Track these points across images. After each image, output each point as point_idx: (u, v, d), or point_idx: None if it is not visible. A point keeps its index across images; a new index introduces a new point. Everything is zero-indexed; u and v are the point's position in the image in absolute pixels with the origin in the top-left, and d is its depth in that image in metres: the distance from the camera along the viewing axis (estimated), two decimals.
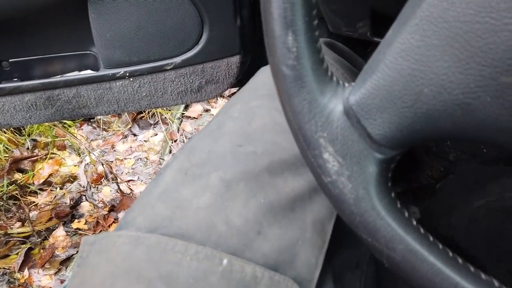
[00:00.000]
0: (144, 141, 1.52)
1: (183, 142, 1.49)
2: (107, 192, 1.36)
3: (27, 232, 1.24)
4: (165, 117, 1.56)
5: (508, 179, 0.54)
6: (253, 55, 0.80)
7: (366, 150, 0.24)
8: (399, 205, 0.25)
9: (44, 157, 1.42)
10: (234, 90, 1.53)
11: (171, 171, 0.37)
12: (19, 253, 1.19)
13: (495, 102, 0.20)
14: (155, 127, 1.56)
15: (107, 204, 1.32)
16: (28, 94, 0.71)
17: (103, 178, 1.39)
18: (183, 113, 1.58)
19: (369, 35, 0.60)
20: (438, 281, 0.23)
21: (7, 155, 1.39)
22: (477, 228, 0.52)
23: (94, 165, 1.43)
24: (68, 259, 1.19)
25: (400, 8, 0.23)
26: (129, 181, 1.39)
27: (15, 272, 1.15)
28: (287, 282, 0.31)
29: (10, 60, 0.71)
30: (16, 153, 1.42)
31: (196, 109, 1.60)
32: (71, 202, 1.33)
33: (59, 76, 0.73)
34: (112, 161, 1.45)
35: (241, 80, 0.81)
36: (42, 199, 1.33)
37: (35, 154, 1.43)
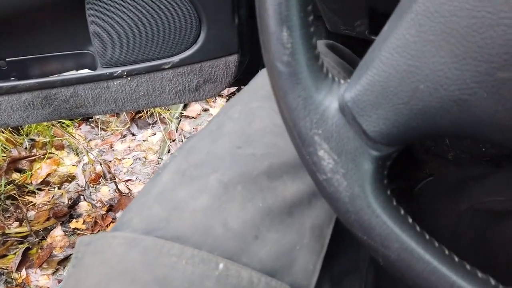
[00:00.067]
0: (143, 140, 1.52)
1: (182, 141, 1.48)
2: (105, 192, 1.35)
3: (25, 232, 1.24)
4: (164, 117, 1.55)
5: (492, 182, 0.54)
6: (251, 54, 0.80)
7: (362, 147, 0.24)
8: (395, 202, 0.25)
9: (42, 156, 1.42)
10: (233, 89, 1.53)
11: (168, 172, 0.37)
12: (17, 253, 1.18)
13: (491, 98, 0.19)
14: (153, 127, 1.55)
15: (105, 204, 1.32)
16: (26, 94, 0.70)
17: (101, 178, 1.39)
18: (182, 113, 1.58)
19: (367, 33, 0.60)
20: (434, 279, 0.22)
21: (5, 155, 1.39)
22: (463, 231, 0.52)
23: (92, 165, 1.42)
24: (66, 259, 1.19)
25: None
26: (127, 180, 1.39)
27: (12, 272, 1.15)
28: None
29: (7, 59, 0.71)
30: (14, 153, 1.41)
31: (195, 108, 1.60)
32: (69, 202, 1.32)
33: (56, 75, 0.73)
34: (110, 161, 1.45)
35: (239, 79, 0.81)
36: (40, 199, 1.33)
37: (33, 153, 1.43)
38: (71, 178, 1.40)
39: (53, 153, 1.45)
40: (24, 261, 1.18)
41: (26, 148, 1.45)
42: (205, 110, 1.61)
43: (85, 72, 0.73)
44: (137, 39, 0.68)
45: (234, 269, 0.30)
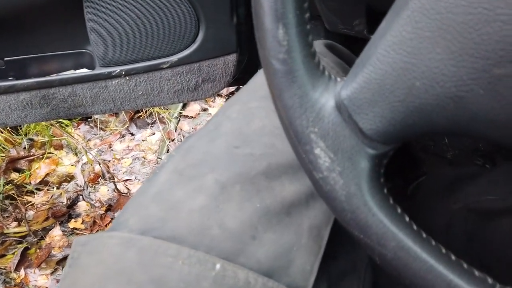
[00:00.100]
0: (142, 140, 1.51)
1: (181, 141, 1.48)
2: (104, 192, 1.35)
3: (24, 231, 1.23)
4: (163, 116, 1.55)
5: (485, 180, 0.54)
6: (250, 54, 0.80)
7: (358, 146, 0.24)
8: (392, 201, 0.24)
9: (41, 156, 1.42)
10: (232, 89, 1.53)
11: (166, 171, 0.37)
12: (15, 253, 1.18)
13: (488, 94, 0.19)
14: (152, 127, 1.55)
15: (104, 203, 1.32)
16: (24, 93, 0.70)
17: (100, 178, 1.39)
18: (181, 112, 1.58)
19: (366, 32, 0.60)
20: (431, 278, 0.22)
21: (3, 155, 1.39)
22: (456, 231, 0.52)
23: (91, 165, 1.42)
24: (65, 259, 1.18)
25: None
26: (126, 180, 1.39)
27: (11, 272, 1.15)
28: None
29: (5, 59, 0.71)
30: (13, 153, 1.41)
31: (194, 108, 1.60)
32: (68, 202, 1.32)
33: (54, 74, 0.72)
34: (109, 161, 1.45)
35: (238, 78, 0.80)
36: (38, 198, 1.33)
37: (32, 153, 1.42)
38: (70, 178, 1.40)
39: (52, 153, 1.45)
40: (23, 261, 1.17)
41: (25, 148, 1.44)
42: (204, 109, 1.61)
43: (83, 71, 0.72)
44: (135, 38, 0.68)
45: (231, 270, 0.30)
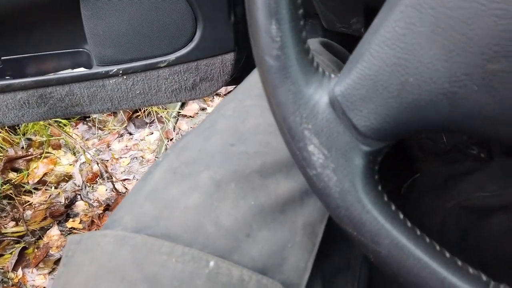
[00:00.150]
0: (140, 140, 1.51)
1: None
2: (102, 191, 1.35)
3: (21, 231, 1.23)
4: (161, 116, 1.55)
5: (477, 177, 0.54)
6: (247, 52, 0.79)
7: (352, 142, 0.24)
8: (386, 198, 0.24)
9: (39, 156, 1.42)
10: (230, 88, 1.52)
11: (160, 170, 0.36)
12: (13, 253, 1.18)
13: (481, 90, 0.19)
14: (151, 126, 1.55)
15: (102, 203, 1.31)
16: (21, 92, 0.70)
17: (98, 177, 1.39)
18: (179, 112, 1.58)
19: (363, 31, 0.59)
20: (425, 275, 0.22)
21: (1, 154, 1.38)
22: (450, 229, 0.52)
23: (90, 164, 1.42)
24: None
25: None
26: (124, 180, 1.39)
27: (8, 272, 1.14)
28: (275, 286, 0.30)
29: (2, 58, 0.71)
30: (11, 152, 1.41)
31: (192, 107, 1.59)
32: (66, 201, 1.32)
33: (51, 73, 0.72)
34: (107, 160, 1.45)
35: (236, 77, 0.80)
36: (36, 198, 1.32)
37: (30, 153, 1.42)
38: (68, 177, 1.40)
39: (50, 153, 1.45)
40: (21, 261, 1.17)
41: (22, 147, 1.44)
42: (203, 109, 1.61)
43: (81, 70, 0.72)
44: (133, 37, 0.68)
45: (225, 267, 0.30)
